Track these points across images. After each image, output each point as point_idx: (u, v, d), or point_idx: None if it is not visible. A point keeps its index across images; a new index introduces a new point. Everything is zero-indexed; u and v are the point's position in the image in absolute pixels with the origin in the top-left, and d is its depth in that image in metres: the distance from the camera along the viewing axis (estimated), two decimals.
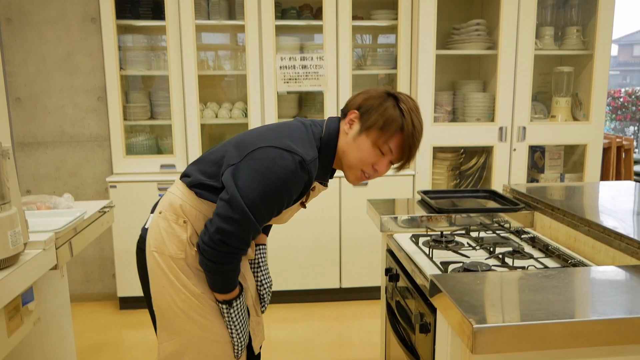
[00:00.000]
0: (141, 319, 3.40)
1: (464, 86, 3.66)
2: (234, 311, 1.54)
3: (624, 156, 3.85)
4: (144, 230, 1.58)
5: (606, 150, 3.75)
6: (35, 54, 3.37)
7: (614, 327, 1.14)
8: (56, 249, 1.76)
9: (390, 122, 1.42)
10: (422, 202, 2.31)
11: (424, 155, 3.45)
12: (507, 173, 3.54)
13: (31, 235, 1.69)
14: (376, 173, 1.51)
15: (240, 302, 1.56)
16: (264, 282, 1.74)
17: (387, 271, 2.05)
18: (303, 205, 1.61)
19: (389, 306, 2.11)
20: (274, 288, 3.47)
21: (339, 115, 1.57)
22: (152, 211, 1.61)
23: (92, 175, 3.55)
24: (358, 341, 3.13)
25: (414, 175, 3.48)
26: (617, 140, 3.75)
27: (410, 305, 1.75)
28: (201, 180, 1.49)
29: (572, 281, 1.38)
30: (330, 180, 1.63)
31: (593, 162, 3.54)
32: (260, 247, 1.76)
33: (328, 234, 3.52)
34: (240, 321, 1.57)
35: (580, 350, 1.20)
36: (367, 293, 3.60)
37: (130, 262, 3.41)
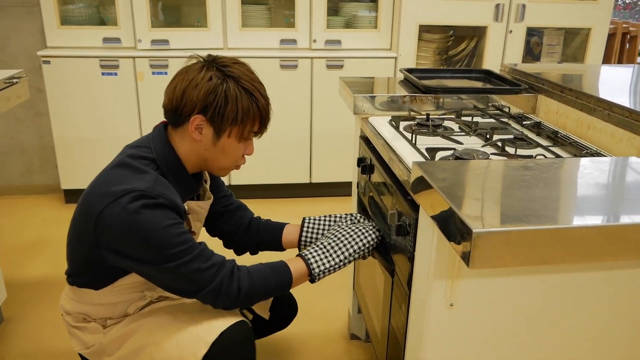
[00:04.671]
0: None
1: None
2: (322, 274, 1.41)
3: (627, 46, 3.47)
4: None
5: (610, 37, 3.35)
6: None
7: None
8: None
9: (247, 112, 1.29)
10: (405, 82, 1.93)
11: (408, 35, 3.02)
12: (500, 59, 3.16)
13: None
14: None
15: (318, 272, 1.39)
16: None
17: (360, 161, 1.71)
18: (192, 232, 1.44)
19: (360, 203, 1.79)
20: (242, 182, 3.15)
21: (164, 120, 1.36)
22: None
23: (23, 48, 3.05)
24: None
25: (396, 58, 3.07)
26: (624, 26, 3.34)
27: (387, 203, 1.43)
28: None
29: (599, 175, 1.05)
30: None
31: (596, 48, 3.16)
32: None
33: (298, 124, 3.15)
34: (338, 264, 1.42)
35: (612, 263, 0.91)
36: (339, 189, 3.29)
37: (72, 151, 3.02)
